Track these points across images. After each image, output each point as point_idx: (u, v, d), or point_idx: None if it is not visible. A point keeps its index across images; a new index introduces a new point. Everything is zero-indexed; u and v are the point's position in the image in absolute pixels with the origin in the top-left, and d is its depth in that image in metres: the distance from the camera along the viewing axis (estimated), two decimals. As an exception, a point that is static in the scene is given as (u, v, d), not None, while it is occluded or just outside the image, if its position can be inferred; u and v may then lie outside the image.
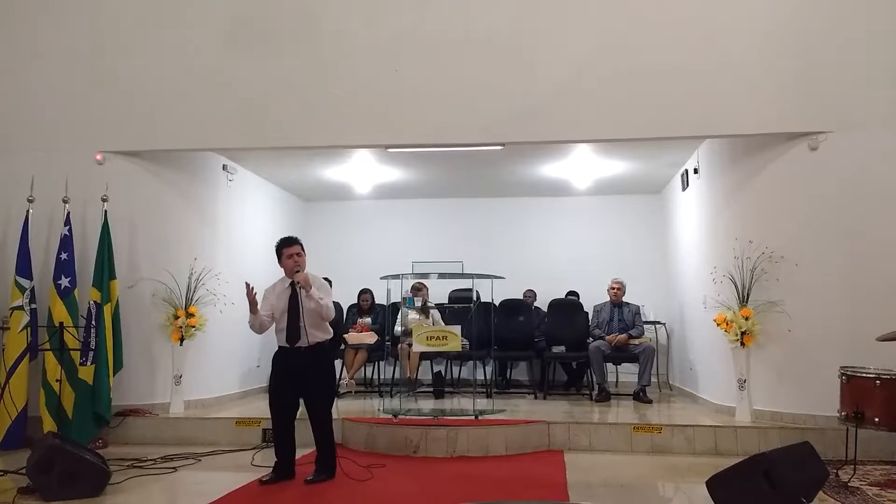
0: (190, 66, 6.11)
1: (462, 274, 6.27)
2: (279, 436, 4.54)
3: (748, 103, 5.57)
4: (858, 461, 4.43)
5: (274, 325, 4.54)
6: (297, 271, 4.44)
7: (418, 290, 7.28)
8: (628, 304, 7.47)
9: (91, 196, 5.91)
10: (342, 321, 7.57)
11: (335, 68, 5.96)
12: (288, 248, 4.49)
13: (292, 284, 4.47)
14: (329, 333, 4.57)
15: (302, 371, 4.44)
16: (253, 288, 4.39)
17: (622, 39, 5.75)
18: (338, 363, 7.71)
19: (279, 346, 4.54)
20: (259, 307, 4.45)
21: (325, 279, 4.94)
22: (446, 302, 8.02)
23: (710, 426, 5.45)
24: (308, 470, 4.52)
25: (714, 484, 3.78)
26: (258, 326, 4.48)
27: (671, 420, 5.81)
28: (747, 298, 5.58)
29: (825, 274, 5.37)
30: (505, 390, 7.98)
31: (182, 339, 6.07)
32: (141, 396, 6.06)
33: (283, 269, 4.57)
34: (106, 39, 6.21)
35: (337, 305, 6.46)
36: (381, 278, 6.41)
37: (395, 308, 7.28)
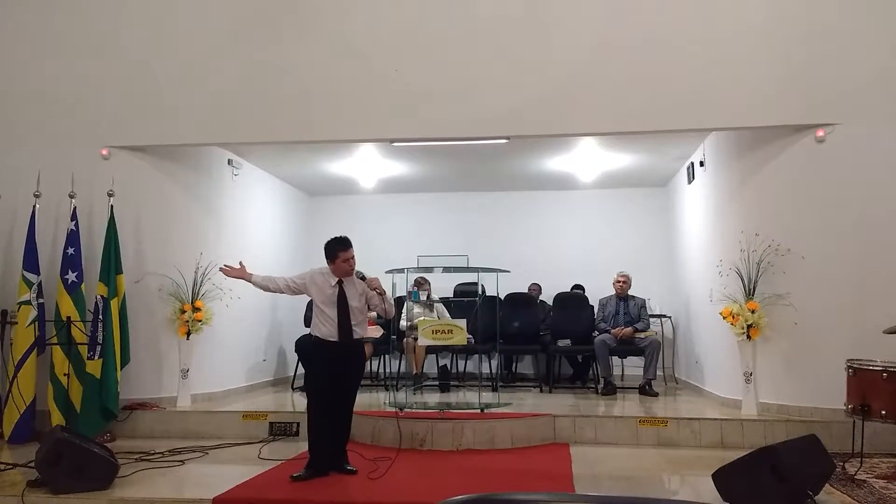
0: (195, 61, 6.12)
1: (467, 268, 6.26)
2: (320, 427, 4.48)
3: (754, 96, 5.55)
4: (865, 454, 4.41)
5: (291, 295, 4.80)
6: (362, 277, 4.62)
7: (420, 284, 7.28)
8: (634, 297, 7.46)
9: (97, 191, 5.94)
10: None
11: (339, 62, 5.95)
12: (345, 252, 4.52)
13: (339, 283, 4.55)
14: (366, 331, 4.75)
15: (343, 361, 4.54)
16: (231, 267, 4.68)
17: (627, 32, 5.72)
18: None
19: (320, 338, 4.55)
20: (293, 278, 4.68)
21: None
22: (451, 296, 8.03)
23: (716, 419, 5.44)
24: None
25: (720, 476, 3.79)
26: (268, 289, 4.74)
27: (677, 413, 5.80)
28: (753, 291, 5.56)
29: (832, 266, 5.35)
30: (510, 384, 7.99)
31: (189, 334, 6.10)
32: (148, 390, 6.09)
33: (333, 268, 4.56)
34: (111, 35, 6.22)
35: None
36: (387, 272, 6.38)
37: (400, 302, 7.28)
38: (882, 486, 4.10)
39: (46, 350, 5.63)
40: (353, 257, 4.56)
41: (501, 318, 6.86)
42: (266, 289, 4.73)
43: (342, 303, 4.54)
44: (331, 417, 4.54)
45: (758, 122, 5.62)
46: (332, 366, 4.54)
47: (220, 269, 4.75)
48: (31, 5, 6.31)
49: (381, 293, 4.62)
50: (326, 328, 4.53)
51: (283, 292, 4.77)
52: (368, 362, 7.77)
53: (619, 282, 7.46)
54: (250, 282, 4.66)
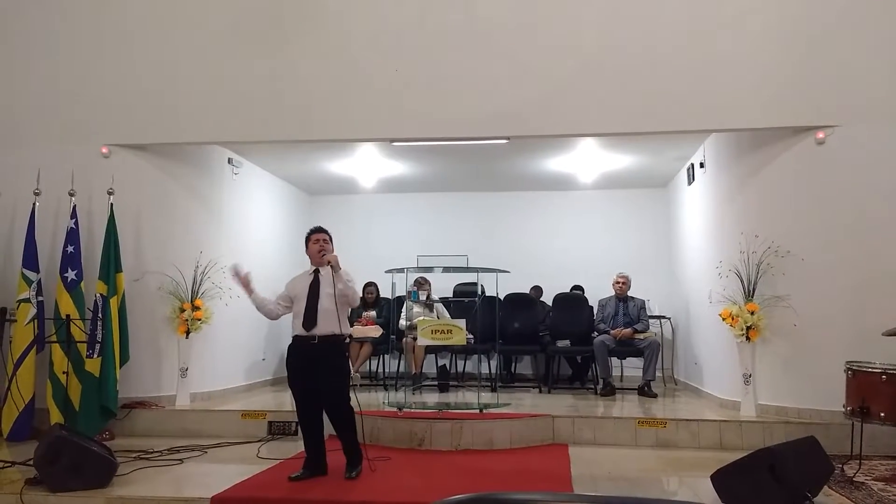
0: (195, 59, 6.11)
1: (467, 268, 6.27)
2: (304, 428, 4.46)
3: (754, 97, 5.55)
4: (864, 456, 4.41)
5: (289, 312, 4.53)
6: (324, 255, 4.44)
7: (420, 285, 7.28)
8: (633, 298, 7.46)
9: (97, 189, 5.93)
10: (389, 316, 7.40)
11: (340, 61, 5.95)
12: (315, 234, 4.56)
13: (315, 271, 4.50)
14: (346, 328, 4.45)
15: (314, 360, 4.34)
16: (240, 270, 4.43)
17: (628, 32, 5.72)
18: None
19: (294, 336, 4.45)
20: (277, 296, 4.57)
21: None
22: (451, 295, 8.03)
23: (715, 421, 5.45)
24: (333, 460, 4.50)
25: (719, 478, 3.79)
26: (262, 309, 4.52)
27: (676, 414, 5.80)
28: (753, 293, 5.56)
29: (831, 268, 5.34)
30: (509, 384, 7.99)
31: (188, 332, 6.10)
32: (147, 389, 6.08)
33: (308, 259, 4.59)
34: (111, 33, 6.22)
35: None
36: (386, 272, 6.40)
37: (399, 301, 7.29)
38: (881, 488, 4.10)
39: (45, 348, 5.63)
40: (322, 240, 4.50)
41: (501, 319, 6.86)
42: (260, 308, 4.52)
43: (314, 289, 4.39)
44: (311, 419, 4.45)
45: (758, 124, 5.62)
46: (305, 364, 4.36)
47: (230, 268, 4.49)
48: (32, 4, 6.30)
49: (334, 267, 4.33)
50: (297, 319, 4.40)
51: (275, 315, 4.57)
52: (368, 362, 7.79)
53: (618, 283, 7.46)
54: (250, 297, 4.48)
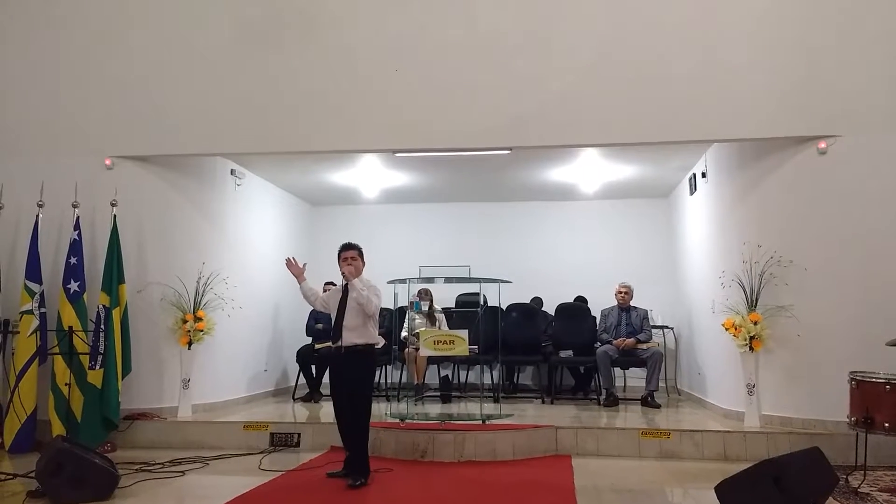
0: (198, 71, 6.15)
1: (469, 278, 6.26)
2: (340, 430, 4.76)
3: (756, 107, 5.55)
4: (868, 467, 4.39)
5: (326, 311, 5.01)
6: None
7: (422, 297, 7.27)
8: (636, 308, 7.44)
9: (100, 201, 5.95)
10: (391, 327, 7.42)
11: (343, 73, 5.98)
12: (344, 252, 4.76)
13: (345, 286, 4.71)
14: (370, 339, 4.69)
15: (340, 369, 4.70)
16: (293, 259, 4.89)
17: (630, 43, 5.74)
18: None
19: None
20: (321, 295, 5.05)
21: None
22: (453, 306, 8.01)
23: (719, 431, 5.43)
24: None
25: (723, 489, 3.76)
26: (307, 297, 4.97)
27: (679, 425, 5.78)
28: (756, 303, 5.55)
29: (835, 278, 5.34)
30: (512, 395, 7.97)
31: (190, 343, 6.09)
32: (149, 400, 6.07)
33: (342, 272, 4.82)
34: (115, 45, 6.25)
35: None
36: (388, 282, 6.40)
37: (402, 312, 7.28)
38: (885, 499, 4.08)
39: (48, 360, 5.63)
40: (351, 257, 4.72)
41: (503, 329, 6.85)
42: (307, 297, 4.95)
43: (342, 304, 4.68)
44: (343, 424, 4.72)
45: (760, 134, 5.63)
46: (334, 371, 4.78)
47: (286, 260, 4.91)
48: (36, 16, 6.35)
49: (348, 279, 4.63)
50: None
51: (316, 306, 5.05)
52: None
53: (620, 292, 7.45)
54: (300, 284, 4.89)
